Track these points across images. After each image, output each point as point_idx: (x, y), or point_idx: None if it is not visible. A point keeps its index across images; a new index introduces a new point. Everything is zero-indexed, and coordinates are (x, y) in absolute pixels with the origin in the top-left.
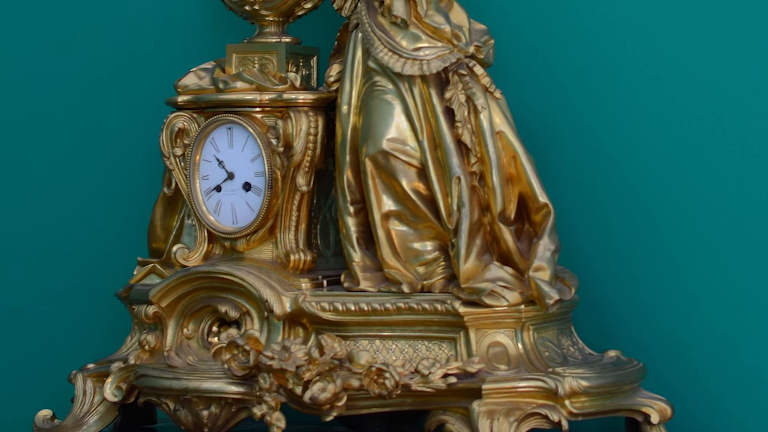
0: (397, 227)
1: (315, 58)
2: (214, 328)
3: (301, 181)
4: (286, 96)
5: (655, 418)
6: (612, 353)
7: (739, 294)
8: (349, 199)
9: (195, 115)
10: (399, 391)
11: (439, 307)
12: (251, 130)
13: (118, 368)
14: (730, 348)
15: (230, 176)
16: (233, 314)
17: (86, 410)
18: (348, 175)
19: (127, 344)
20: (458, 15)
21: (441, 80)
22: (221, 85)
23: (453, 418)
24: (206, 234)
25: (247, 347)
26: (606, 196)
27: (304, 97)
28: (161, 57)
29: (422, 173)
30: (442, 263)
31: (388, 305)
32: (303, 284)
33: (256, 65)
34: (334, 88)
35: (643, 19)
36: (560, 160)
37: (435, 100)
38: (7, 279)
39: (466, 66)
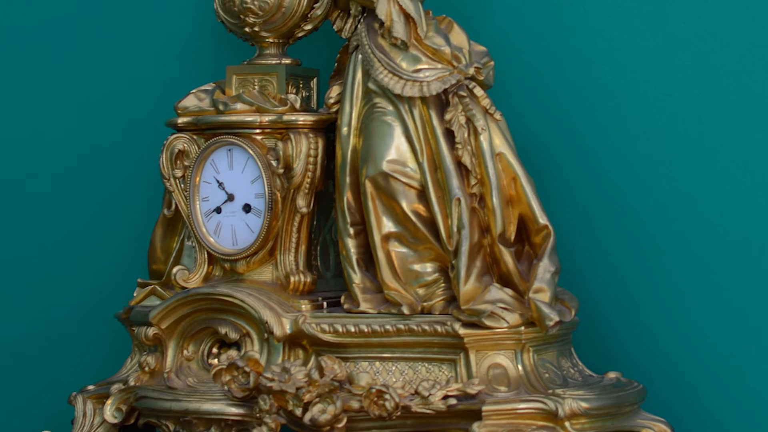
0: (397, 249)
1: (315, 79)
2: (214, 350)
3: (301, 202)
4: (286, 117)
5: None
6: (612, 375)
7: (739, 315)
8: (349, 220)
9: (195, 137)
10: (399, 413)
11: (439, 328)
12: (251, 151)
13: (118, 390)
14: (730, 369)
15: (230, 198)
16: (233, 336)
17: None
18: (348, 196)
19: (127, 366)
20: (458, 36)
21: (441, 102)
22: (221, 107)
23: None
24: (206, 255)
25: (247, 369)
26: (606, 217)
27: (304, 118)
28: (161, 78)
29: (422, 195)
30: (442, 285)
31: (388, 327)
32: (303, 306)
33: (256, 87)
34: (334, 109)
35: (643, 41)
36: (560, 181)
37: (435, 121)
38: (7, 300)
39: (466, 87)
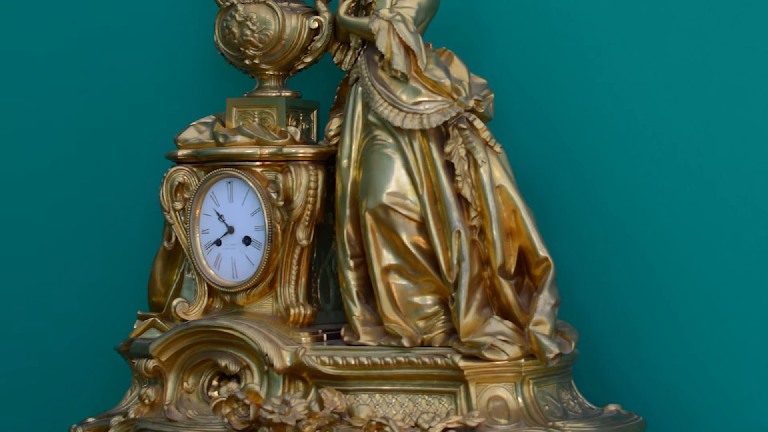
0: (397, 281)
1: (315, 112)
2: (214, 382)
3: (301, 235)
4: (286, 150)
5: None
6: (612, 407)
7: (739, 348)
8: (349, 253)
9: (195, 169)
10: None
11: (439, 361)
12: (251, 184)
13: (118, 422)
14: (730, 402)
15: (230, 230)
16: (233, 368)
17: None
18: (348, 229)
19: (127, 398)
20: (458, 69)
21: (441, 134)
22: (221, 139)
23: None
24: (206, 288)
25: (247, 401)
26: (606, 250)
27: (304, 151)
28: (161, 111)
29: (422, 227)
30: (442, 317)
31: (388, 359)
32: (303, 338)
33: (256, 119)
34: (334, 142)
35: (642, 73)
36: (560, 214)
37: (435, 154)
38: (7, 333)
39: (466, 120)
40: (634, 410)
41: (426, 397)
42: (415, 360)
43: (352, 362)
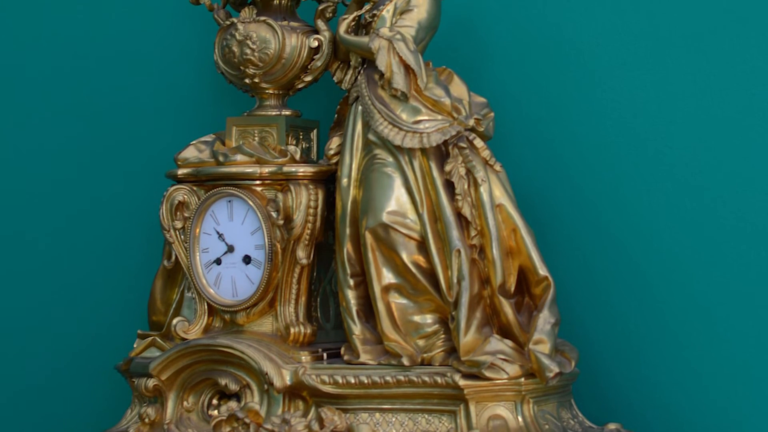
0: (397, 300)
1: (315, 130)
2: (215, 401)
3: (301, 254)
4: (286, 169)
5: None
6: (612, 426)
7: (739, 367)
8: (349, 272)
9: (195, 188)
10: None
11: (439, 380)
12: (251, 203)
13: None
14: (730, 421)
15: (230, 249)
16: (233, 387)
17: None
18: (348, 248)
19: (127, 417)
20: (458, 88)
21: (441, 153)
22: (221, 158)
23: None
24: (206, 307)
25: (247, 420)
26: (606, 269)
27: (304, 170)
28: (161, 130)
29: (422, 246)
30: (442, 336)
31: (388, 378)
32: (303, 357)
33: (256, 138)
34: (334, 161)
35: (643, 92)
36: (560, 232)
37: (435, 173)
38: (7, 352)
39: (466, 139)
40: (635, 429)
41: (426, 416)
42: (415, 379)
43: (352, 381)
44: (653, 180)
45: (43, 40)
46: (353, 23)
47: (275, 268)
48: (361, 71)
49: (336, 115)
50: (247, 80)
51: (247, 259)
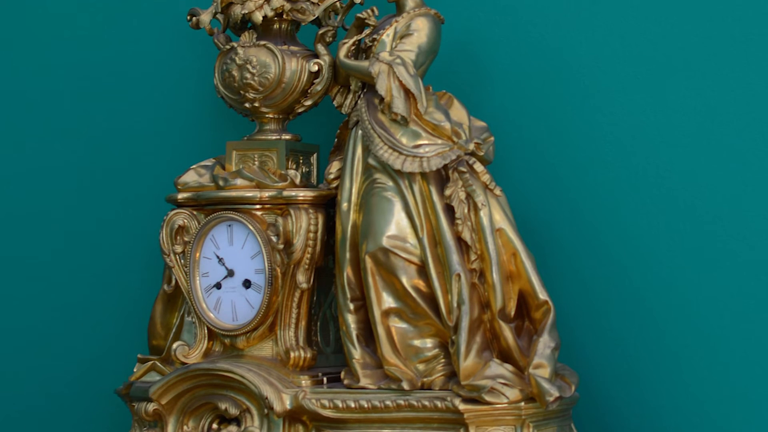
0: (397, 324)
1: (315, 155)
2: (215, 425)
3: (301, 278)
4: (286, 193)
5: None
6: None
7: (739, 391)
8: (349, 296)
9: (195, 213)
10: None
11: (439, 404)
12: (251, 227)
13: None
14: None
15: (230, 273)
16: (233, 411)
17: None
18: (348, 272)
19: None
20: (458, 112)
21: (441, 177)
22: (221, 183)
23: None
24: (206, 331)
25: None
26: (606, 293)
27: (304, 194)
28: (161, 154)
29: (422, 270)
30: (442, 360)
31: (388, 402)
32: (303, 381)
33: (256, 162)
34: (334, 185)
35: (643, 116)
36: (560, 257)
37: (435, 197)
38: (7, 374)
39: (466, 163)
40: None
41: None
42: (415, 403)
43: (352, 405)
44: (653, 204)
45: (43, 63)
46: (353, 47)
47: (275, 292)
48: (361, 95)
49: (336, 140)
50: (247, 104)
51: (247, 284)
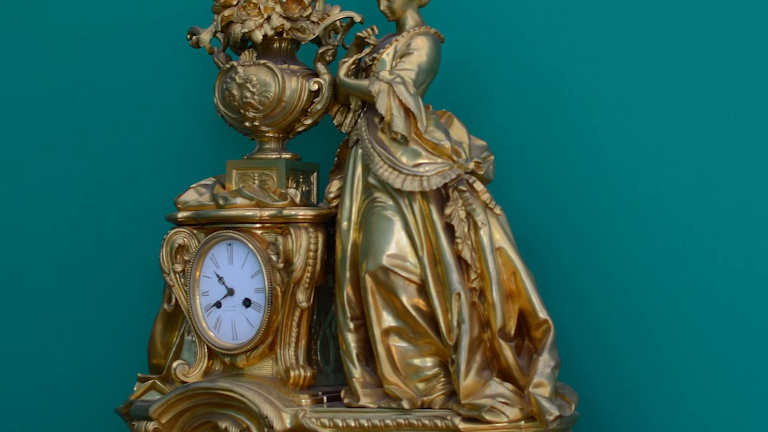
0: (397, 343)
1: (315, 174)
2: None
3: (301, 297)
4: (286, 212)
5: None
6: None
7: (740, 411)
8: (349, 315)
9: (195, 231)
10: None
11: (439, 423)
12: (251, 246)
13: None
14: None
15: (230, 292)
16: (233, 430)
17: None
18: (348, 291)
19: None
20: (458, 131)
21: (441, 196)
22: (221, 201)
23: None
24: (206, 350)
25: None
26: (606, 312)
27: (304, 213)
28: (161, 173)
29: (422, 289)
30: (442, 379)
31: (388, 421)
32: (303, 400)
33: (256, 181)
34: (334, 204)
35: (643, 136)
36: (560, 276)
37: (435, 216)
38: (8, 393)
39: (466, 182)
40: None
41: None
42: (415, 422)
43: (352, 424)
44: (653, 223)
45: (44, 81)
46: (353, 66)
47: (275, 311)
48: (361, 114)
49: (336, 158)
50: (247, 123)
51: (247, 302)
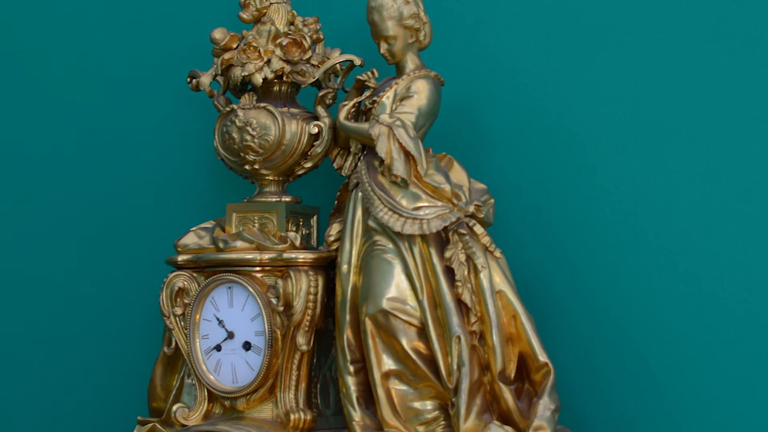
0: (397, 386)
1: (315, 217)
2: None
3: (301, 340)
4: (286, 255)
5: None
6: None
7: None
8: (349, 358)
9: (195, 275)
10: None
11: None
12: (251, 289)
13: None
14: None
15: (230, 335)
16: None
17: None
18: (348, 334)
19: None
20: (458, 174)
21: (441, 239)
22: (221, 245)
23: None
24: (206, 393)
25: None
26: (606, 355)
27: (304, 256)
28: (161, 216)
29: (422, 332)
30: (443, 422)
31: None
32: None
33: (256, 224)
34: (334, 247)
35: (643, 179)
36: (560, 319)
37: (435, 259)
38: None
39: (466, 225)
40: None
41: None
42: None
43: None
44: (653, 266)
45: (44, 124)
46: (353, 110)
47: (275, 354)
48: (361, 158)
49: (336, 202)
50: (247, 166)
51: (247, 346)
